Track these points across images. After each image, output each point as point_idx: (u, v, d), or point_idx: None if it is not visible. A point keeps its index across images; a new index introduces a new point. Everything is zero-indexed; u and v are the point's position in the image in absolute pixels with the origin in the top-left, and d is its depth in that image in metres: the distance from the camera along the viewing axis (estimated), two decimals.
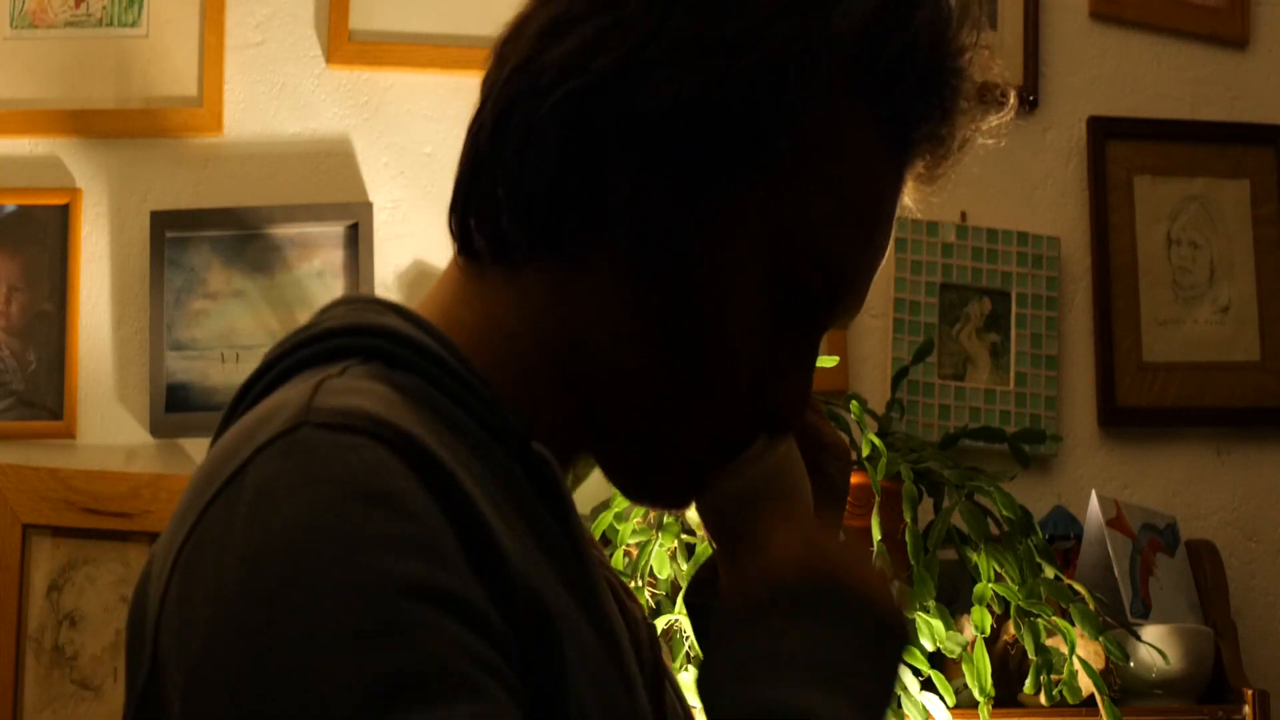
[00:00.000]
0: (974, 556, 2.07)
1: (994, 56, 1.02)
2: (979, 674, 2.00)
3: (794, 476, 1.02)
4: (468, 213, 0.99)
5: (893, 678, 0.95)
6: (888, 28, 0.95)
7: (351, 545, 0.80)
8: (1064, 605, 2.06)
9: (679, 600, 1.99)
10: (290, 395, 0.88)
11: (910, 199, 1.05)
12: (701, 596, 1.09)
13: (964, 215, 2.65)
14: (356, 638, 0.78)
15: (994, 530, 2.14)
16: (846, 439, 2.24)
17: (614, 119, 0.93)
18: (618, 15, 0.94)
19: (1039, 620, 2.04)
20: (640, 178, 0.94)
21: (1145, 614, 2.32)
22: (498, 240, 0.98)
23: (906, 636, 0.98)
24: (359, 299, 0.99)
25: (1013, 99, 1.05)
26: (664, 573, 2.06)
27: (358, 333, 0.93)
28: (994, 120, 1.05)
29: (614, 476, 1.01)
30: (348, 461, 0.82)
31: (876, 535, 2.01)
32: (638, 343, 0.96)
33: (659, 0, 0.93)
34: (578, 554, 0.93)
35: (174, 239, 2.52)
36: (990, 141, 1.06)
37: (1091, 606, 2.07)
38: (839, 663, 0.91)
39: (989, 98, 1.03)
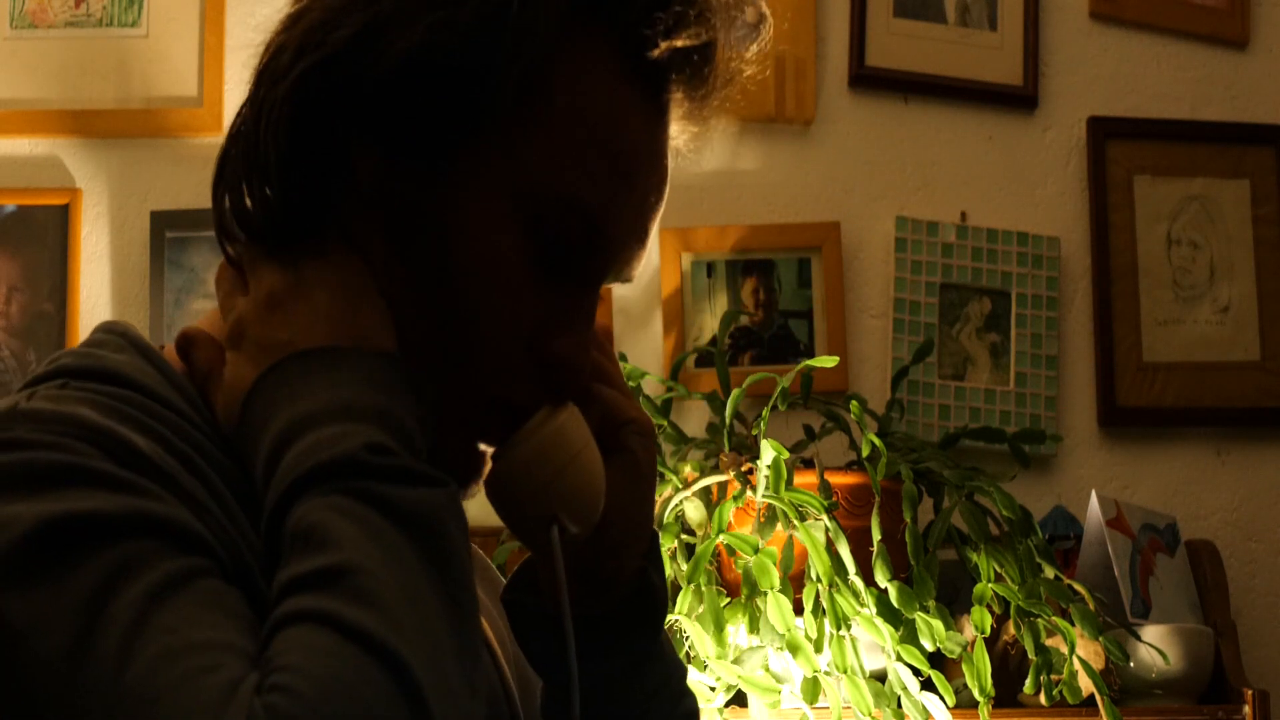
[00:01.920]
0: (974, 556, 2.07)
1: None
2: (979, 674, 2.00)
3: (575, 443, 0.98)
4: (225, 203, 0.99)
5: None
6: None
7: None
8: (1064, 605, 2.06)
9: (678, 601, 1.99)
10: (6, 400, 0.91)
11: (684, 138, 1.02)
12: (517, 594, 1.06)
13: (964, 215, 2.65)
14: None
15: (994, 530, 2.14)
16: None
17: (348, 92, 0.93)
18: (329, 5, 0.95)
19: (1039, 620, 2.04)
20: (380, 152, 0.94)
21: (1145, 614, 2.32)
22: (259, 234, 0.97)
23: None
24: (112, 330, 1.00)
25: (768, 25, 1.02)
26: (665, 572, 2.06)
27: (85, 375, 0.94)
28: (753, 49, 1.01)
29: None
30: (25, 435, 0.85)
31: (876, 535, 2.01)
32: (407, 314, 0.95)
33: None
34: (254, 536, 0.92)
35: (174, 239, 2.52)
36: (754, 72, 1.02)
37: (1091, 606, 2.07)
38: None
39: (745, 23, 1.01)
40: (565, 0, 0.94)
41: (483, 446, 0.99)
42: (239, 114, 1.00)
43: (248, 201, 0.98)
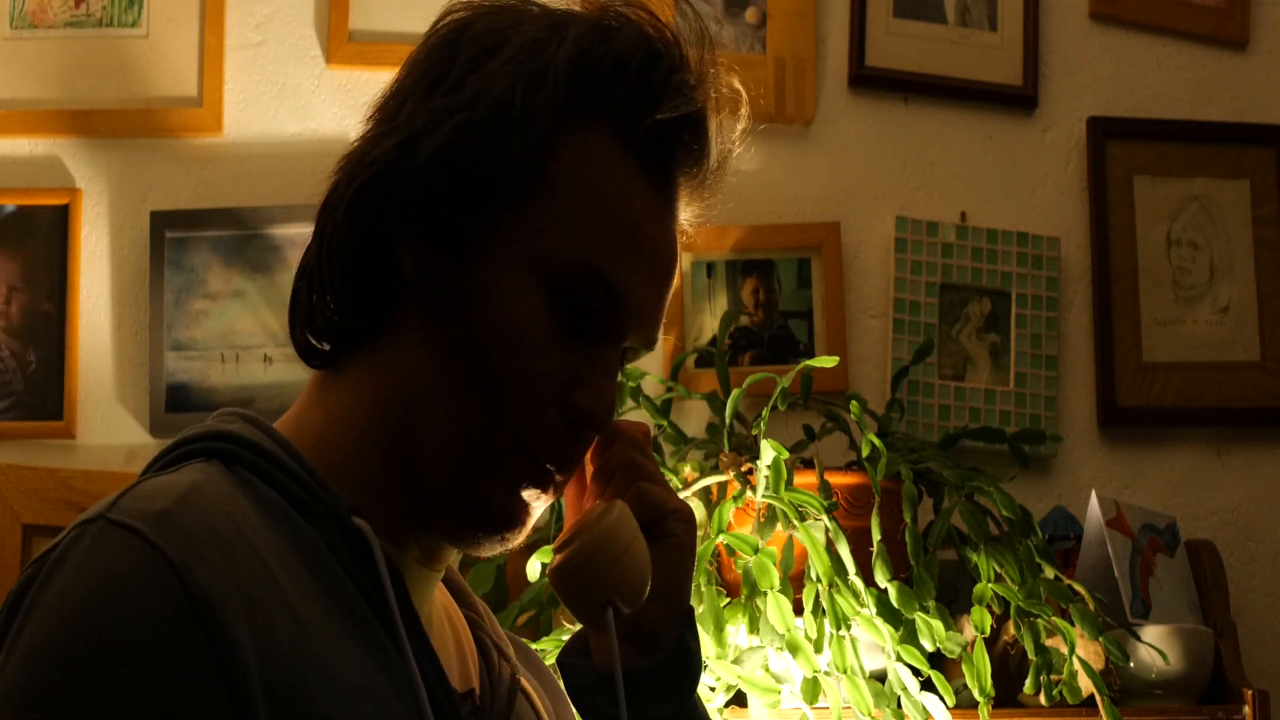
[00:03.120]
0: (974, 556, 2.07)
1: (731, 70, 1.17)
2: (979, 674, 2.00)
3: (625, 536, 1.15)
4: (299, 324, 1.15)
5: None
6: (595, 49, 1.10)
7: (90, 651, 0.93)
8: (1064, 605, 2.06)
9: None
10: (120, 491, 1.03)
11: (690, 217, 1.17)
12: (571, 657, 1.22)
13: (964, 215, 2.65)
14: None
15: (994, 530, 2.14)
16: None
17: (393, 197, 1.09)
18: (391, 123, 1.12)
19: (1039, 620, 2.04)
20: (422, 245, 1.09)
21: (1145, 614, 2.32)
22: (328, 343, 1.13)
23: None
24: (229, 412, 1.14)
25: (745, 105, 1.19)
26: None
27: (207, 438, 1.09)
28: (738, 129, 1.18)
29: (449, 523, 1.12)
30: (114, 561, 0.96)
31: (876, 535, 2.01)
32: (446, 388, 1.09)
33: (422, 98, 1.11)
34: (386, 621, 1.06)
35: (174, 239, 2.52)
36: (743, 154, 1.19)
37: (1091, 606, 2.07)
38: None
39: (730, 108, 1.17)
40: (562, 90, 1.09)
41: (525, 496, 1.12)
42: (306, 251, 1.15)
43: (323, 322, 1.14)
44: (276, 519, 1.05)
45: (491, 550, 1.13)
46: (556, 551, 1.16)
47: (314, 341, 1.14)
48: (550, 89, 1.09)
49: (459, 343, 1.08)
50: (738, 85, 1.17)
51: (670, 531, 1.19)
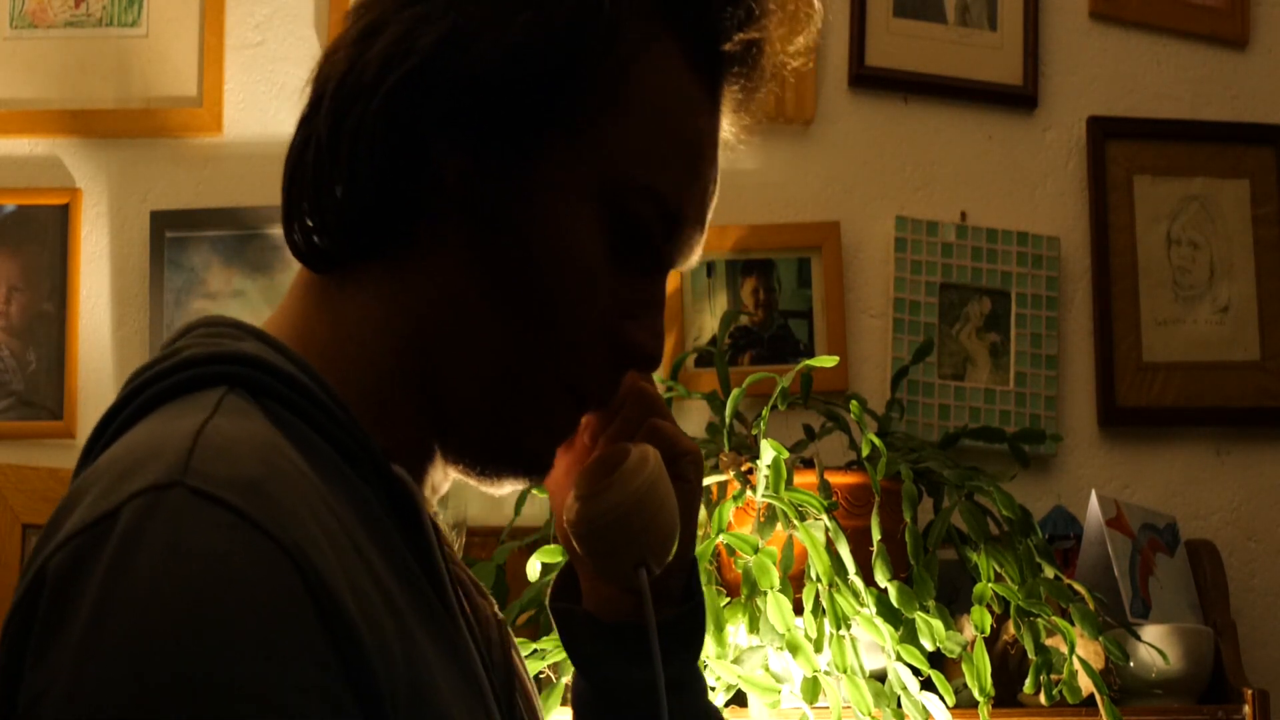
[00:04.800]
0: (974, 556, 2.07)
1: None
2: (979, 674, 2.00)
3: (664, 490, 1.06)
4: (303, 221, 1.00)
5: None
6: None
7: (196, 643, 0.78)
8: (1064, 605, 2.05)
9: None
10: (166, 437, 0.86)
11: (730, 129, 1.09)
12: (564, 601, 1.14)
13: (964, 215, 2.65)
14: None
15: (994, 530, 2.14)
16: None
17: (440, 94, 0.96)
18: (432, 3, 0.97)
19: (1039, 620, 2.04)
20: (466, 152, 0.97)
21: (1145, 614, 2.32)
22: (338, 245, 0.99)
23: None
24: (216, 321, 0.99)
25: (817, 17, 1.09)
26: None
27: (219, 361, 0.93)
28: (800, 40, 1.08)
29: (474, 460, 1.02)
30: (214, 544, 0.80)
31: (876, 535, 2.01)
32: (486, 313, 0.98)
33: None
34: (431, 575, 0.95)
35: (174, 239, 2.52)
36: (793, 61, 1.08)
37: (1091, 606, 2.07)
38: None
39: (793, 15, 1.07)
40: (644, 2, 0.99)
41: (559, 435, 1.04)
42: (303, 133, 1.01)
43: (340, 222, 1.00)
44: (327, 471, 0.90)
45: (510, 488, 1.03)
46: (581, 499, 1.05)
47: (315, 239, 1.00)
48: (633, 1, 0.98)
49: (505, 265, 0.97)
50: (816, 2, 1.07)
51: (684, 475, 1.11)
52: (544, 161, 0.98)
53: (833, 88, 2.66)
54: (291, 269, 2.52)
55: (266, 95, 2.59)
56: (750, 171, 2.62)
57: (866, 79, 2.66)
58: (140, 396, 0.93)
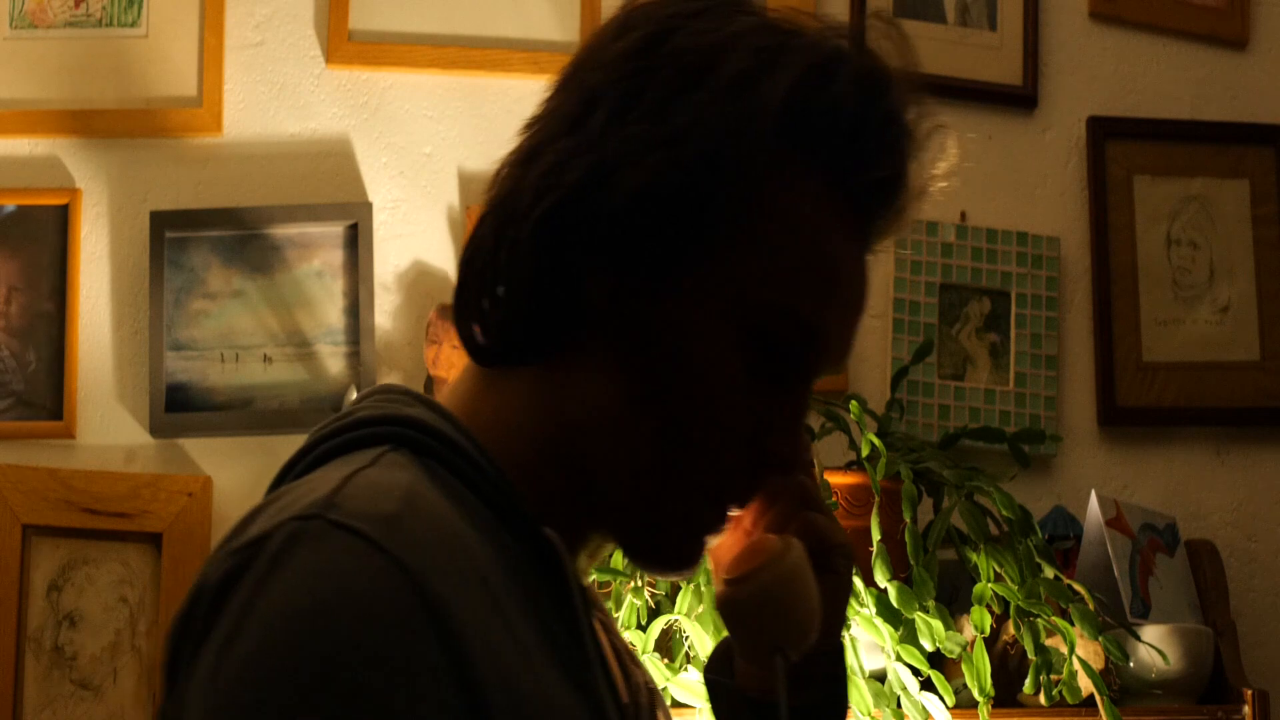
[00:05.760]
0: (974, 556, 2.07)
1: (931, 106, 1.13)
2: (979, 674, 2.00)
3: (802, 582, 1.11)
4: (470, 322, 1.09)
5: None
6: (810, 93, 1.05)
7: (324, 662, 0.87)
8: (1064, 605, 2.06)
9: (678, 601, 2.00)
10: (324, 481, 0.96)
11: (879, 246, 1.14)
12: (718, 674, 1.19)
13: (964, 215, 2.65)
14: None
15: (994, 530, 2.14)
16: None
17: (584, 225, 1.03)
18: (581, 136, 1.05)
19: (1039, 620, 2.04)
20: (613, 275, 1.04)
21: (1145, 614, 2.32)
22: (499, 346, 1.08)
23: None
24: (391, 389, 1.09)
25: (953, 146, 1.15)
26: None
27: (388, 422, 1.03)
28: (942, 165, 1.14)
29: (624, 551, 1.10)
30: (342, 565, 0.90)
31: (876, 535, 2.01)
32: (629, 422, 1.05)
33: (616, 116, 1.04)
34: (575, 637, 1.02)
35: (174, 239, 2.52)
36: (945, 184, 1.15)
37: (1091, 606, 2.07)
38: None
39: (934, 143, 1.13)
40: (774, 135, 1.04)
41: (704, 536, 1.10)
42: (474, 243, 1.10)
43: (498, 328, 1.08)
44: (477, 524, 0.99)
45: (659, 577, 1.12)
46: (729, 583, 1.12)
47: (480, 337, 1.09)
48: (762, 134, 1.04)
49: (649, 380, 1.04)
50: (944, 123, 1.14)
51: (835, 568, 1.15)
52: (685, 285, 1.04)
53: None
54: (291, 270, 2.53)
55: (266, 95, 2.59)
56: None
57: None
58: (314, 451, 1.04)
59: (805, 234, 1.06)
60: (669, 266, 1.04)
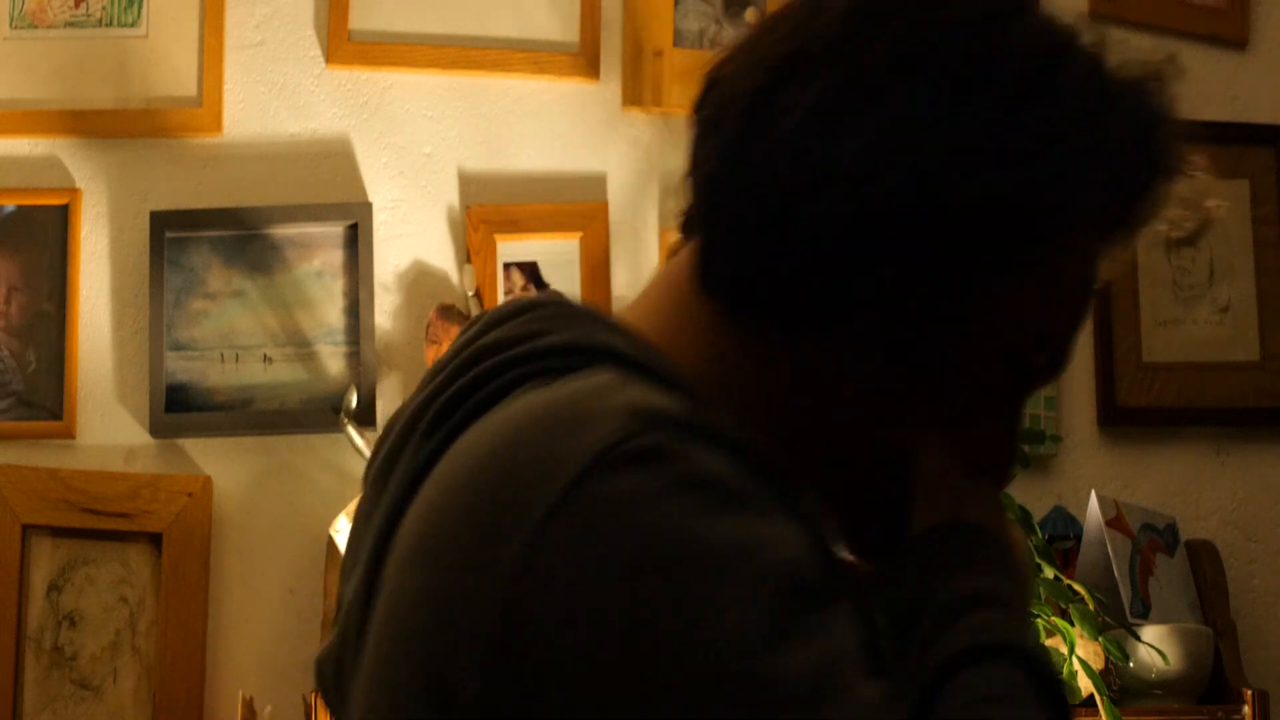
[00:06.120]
0: None
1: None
2: None
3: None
4: (721, 253, 0.98)
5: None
6: (1146, 134, 1.04)
7: (739, 556, 0.83)
8: (1063, 605, 2.06)
9: None
10: (582, 403, 0.87)
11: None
12: None
13: None
14: (776, 636, 0.82)
15: None
16: None
17: (899, 216, 0.95)
18: (899, 114, 0.95)
19: (1039, 620, 2.04)
20: (913, 268, 0.96)
21: (1145, 614, 2.32)
22: (750, 291, 0.98)
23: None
24: (575, 310, 0.98)
25: (1206, 169, 1.14)
26: None
27: (586, 353, 0.93)
28: (1188, 195, 1.12)
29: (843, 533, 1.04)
30: (706, 465, 0.84)
31: None
32: (868, 416, 0.99)
33: (944, 102, 0.95)
34: None
35: (174, 239, 2.52)
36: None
37: (1091, 606, 2.07)
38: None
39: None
40: (1104, 182, 1.01)
41: None
42: (750, 179, 0.98)
43: (764, 277, 0.98)
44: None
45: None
46: None
47: (737, 277, 0.97)
48: (1097, 178, 0.99)
49: (907, 384, 0.98)
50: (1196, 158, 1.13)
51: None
52: (970, 303, 0.98)
53: None
54: (291, 270, 2.52)
55: (266, 95, 2.59)
56: None
57: None
58: (500, 378, 0.93)
59: (1086, 265, 1.03)
60: (970, 279, 0.98)
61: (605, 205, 2.57)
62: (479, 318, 1.01)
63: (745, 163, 0.97)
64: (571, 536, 0.82)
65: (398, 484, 0.93)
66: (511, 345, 0.95)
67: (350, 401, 2.41)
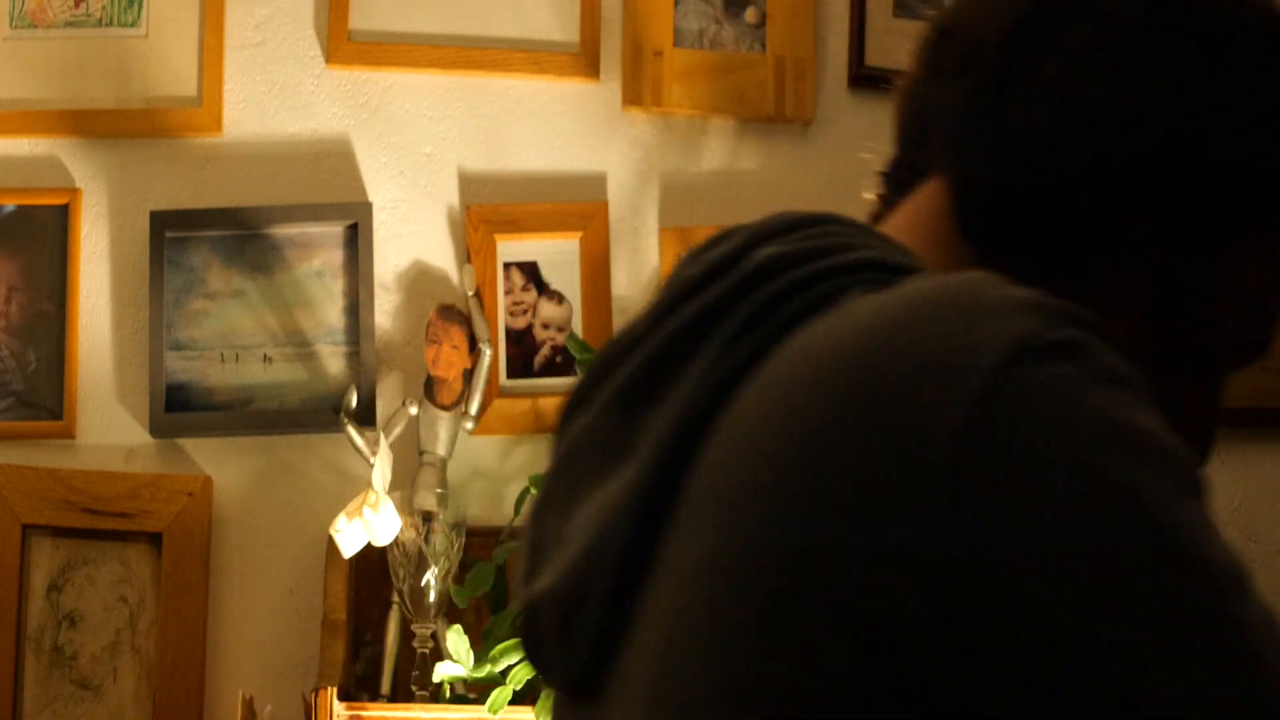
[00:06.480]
0: None
1: None
2: None
3: None
4: (980, 194, 1.00)
5: None
6: None
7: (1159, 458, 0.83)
8: None
9: None
10: (978, 292, 0.85)
11: None
12: None
13: None
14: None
15: None
16: None
17: (1166, 164, 0.96)
18: (1161, 67, 0.96)
19: None
20: (1175, 218, 0.97)
21: None
22: (1010, 232, 0.99)
23: None
24: (866, 228, 1.02)
25: None
26: None
27: (904, 271, 0.93)
28: None
29: None
30: (1120, 364, 0.84)
31: None
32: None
33: (1201, 58, 0.96)
34: None
35: (174, 239, 2.52)
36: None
37: None
38: None
39: None
40: None
41: None
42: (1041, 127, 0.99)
43: (1025, 217, 0.99)
44: None
45: None
46: None
47: (981, 217, 1.00)
48: None
49: (1147, 348, 0.97)
50: None
51: None
52: (1223, 263, 0.99)
53: (832, 88, 2.66)
54: (291, 270, 2.52)
55: (266, 95, 2.59)
56: (750, 172, 2.62)
57: (866, 79, 2.66)
58: (814, 289, 0.93)
59: None
60: (1227, 238, 0.98)
61: (605, 205, 2.57)
62: (727, 233, 1.01)
63: (1003, 105, 0.98)
64: (1014, 419, 0.79)
65: (688, 395, 0.89)
66: (817, 256, 0.97)
67: (350, 401, 2.41)
